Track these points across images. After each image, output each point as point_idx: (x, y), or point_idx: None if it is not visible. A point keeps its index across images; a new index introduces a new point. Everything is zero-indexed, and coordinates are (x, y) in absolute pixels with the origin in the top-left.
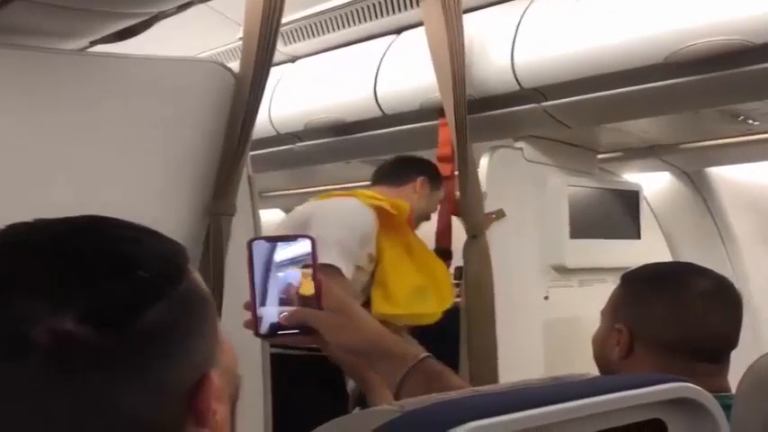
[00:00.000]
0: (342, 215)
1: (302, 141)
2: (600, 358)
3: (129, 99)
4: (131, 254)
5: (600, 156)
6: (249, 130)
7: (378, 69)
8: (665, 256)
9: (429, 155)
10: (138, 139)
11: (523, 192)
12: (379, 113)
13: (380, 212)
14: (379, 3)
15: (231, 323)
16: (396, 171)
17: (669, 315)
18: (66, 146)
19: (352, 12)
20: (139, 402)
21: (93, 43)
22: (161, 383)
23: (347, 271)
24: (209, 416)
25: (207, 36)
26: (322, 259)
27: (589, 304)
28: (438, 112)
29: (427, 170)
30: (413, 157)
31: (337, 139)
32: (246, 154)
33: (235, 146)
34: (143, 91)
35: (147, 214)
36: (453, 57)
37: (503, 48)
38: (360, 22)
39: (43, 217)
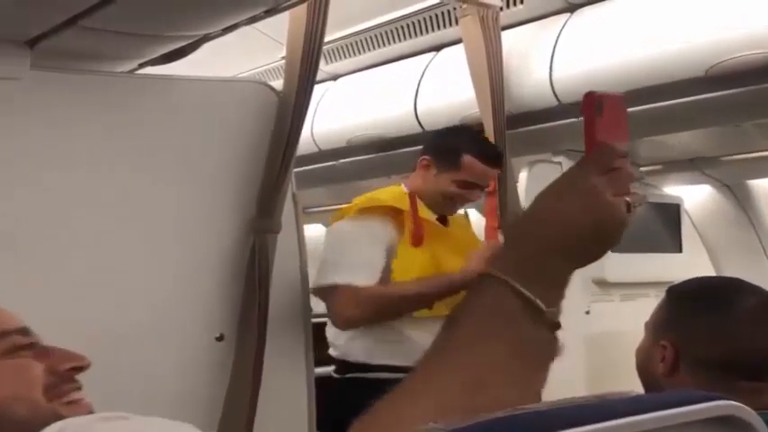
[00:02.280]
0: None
1: (344, 158)
2: (642, 370)
3: (176, 119)
4: None
5: (640, 169)
6: (293, 148)
7: (418, 86)
8: (708, 270)
9: None
10: (184, 157)
11: None
12: (420, 129)
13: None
14: (419, 21)
15: (278, 332)
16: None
17: (715, 335)
18: (116, 165)
19: (392, 30)
20: None
21: (141, 65)
22: None
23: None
24: None
25: (250, 56)
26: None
27: (631, 319)
28: (477, 127)
29: (434, 148)
30: (444, 130)
31: (379, 155)
32: (290, 172)
33: (279, 164)
34: (189, 111)
35: (192, 231)
36: (492, 73)
37: (541, 63)
38: (400, 40)
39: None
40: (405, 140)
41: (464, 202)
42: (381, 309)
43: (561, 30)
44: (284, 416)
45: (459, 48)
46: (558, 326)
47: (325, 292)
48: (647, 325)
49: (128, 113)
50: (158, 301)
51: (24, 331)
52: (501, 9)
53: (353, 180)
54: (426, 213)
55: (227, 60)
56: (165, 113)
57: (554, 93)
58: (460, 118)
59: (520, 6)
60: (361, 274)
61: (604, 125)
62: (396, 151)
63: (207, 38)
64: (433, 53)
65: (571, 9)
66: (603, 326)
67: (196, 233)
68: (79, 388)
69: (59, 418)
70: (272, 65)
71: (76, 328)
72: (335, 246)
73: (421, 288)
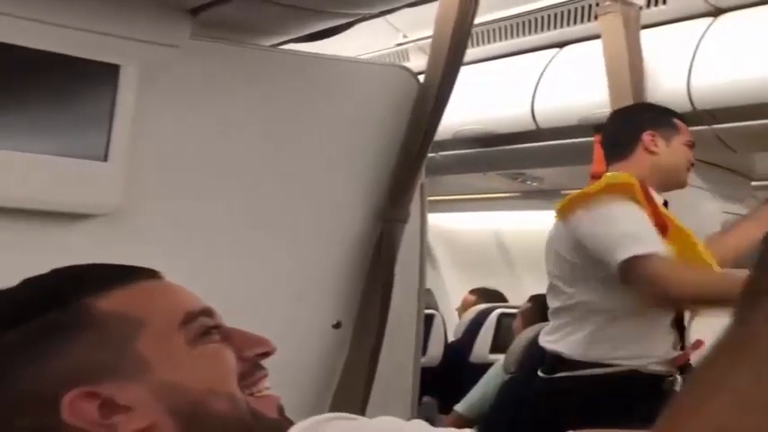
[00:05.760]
0: None
1: (445, 150)
2: None
3: (316, 98)
4: (24, 294)
5: (754, 183)
6: (431, 136)
7: (537, 82)
8: None
9: (581, 171)
10: (320, 138)
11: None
12: (533, 127)
13: None
14: (542, 17)
15: (398, 322)
16: (615, 137)
17: None
18: (250, 140)
19: (517, 24)
20: None
21: (282, 43)
22: (9, 391)
23: None
24: (94, 427)
25: (364, 40)
26: None
27: None
28: (594, 128)
29: (650, 118)
30: (630, 108)
31: (482, 150)
32: (425, 161)
33: (415, 152)
34: (331, 91)
35: (321, 213)
36: (633, 73)
37: (680, 67)
38: (523, 34)
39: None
40: (513, 137)
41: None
42: (705, 289)
43: (703, 34)
44: (390, 402)
45: (584, 46)
46: None
47: (629, 266)
48: None
49: (275, 88)
50: (279, 282)
51: (209, 312)
52: (641, 8)
53: (449, 173)
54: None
55: (341, 43)
56: (309, 92)
57: (690, 99)
58: (579, 118)
59: (662, 6)
60: (658, 244)
61: None
62: (500, 147)
63: (363, 18)
64: (556, 50)
65: (715, 13)
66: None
67: (324, 215)
68: (266, 376)
69: (254, 413)
70: (387, 50)
71: None
72: (612, 221)
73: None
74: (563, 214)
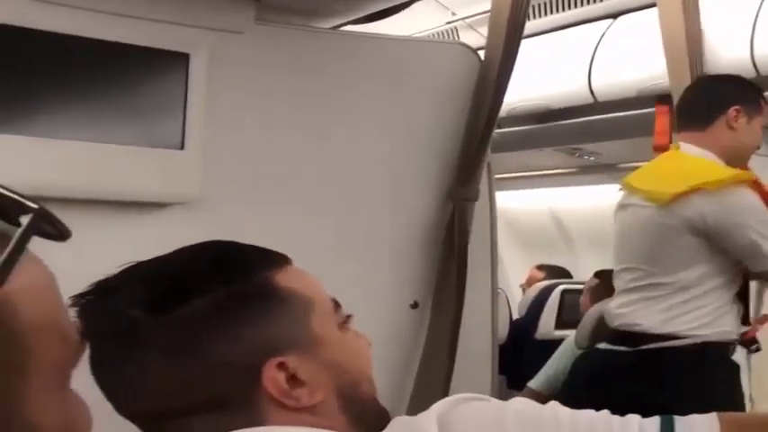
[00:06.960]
0: None
1: (499, 128)
2: None
3: (381, 79)
4: (196, 264)
5: None
6: (495, 113)
7: (593, 55)
8: None
9: (643, 143)
10: (387, 119)
11: None
12: (591, 100)
13: None
14: None
15: (474, 300)
16: (698, 106)
17: None
18: (317, 123)
19: None
20: (177, 372)
21: (340, 25)
22: (202, 359)
23: None
24: (282, 396)
25: (416, 18)
26: None
27: None
28: (654, 99)
29: (740, 93)
30: (718, 78)
31: (539, 127)
32: (490, 139)
33: (480, 130)
34: (396, 71)
35: (393, 196)
36: (690, 41)
37: (742, 33)
38: (574, 6)
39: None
40: (570, 112)
41: None
42: None
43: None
44: (471, 380)
45: (638, 15)
46: None
47: None
48: None
49: (341, 70)
50: (354, 265)
51: (337, 302)
52: None
53: (503, 151)
54: None
55: (390, 22)
56: (374, 73)
57: (754, 65)
58: (639, 89)
59: None
60: None
61: None
62: (556, 123)
63: None
64: (610, 20)
65: None
66: None
67: (395, 197)
68: None
69: (377, 400)
70: (436, 29)
71: None
72: (756, 214)
73: None
74: (675, 198)
